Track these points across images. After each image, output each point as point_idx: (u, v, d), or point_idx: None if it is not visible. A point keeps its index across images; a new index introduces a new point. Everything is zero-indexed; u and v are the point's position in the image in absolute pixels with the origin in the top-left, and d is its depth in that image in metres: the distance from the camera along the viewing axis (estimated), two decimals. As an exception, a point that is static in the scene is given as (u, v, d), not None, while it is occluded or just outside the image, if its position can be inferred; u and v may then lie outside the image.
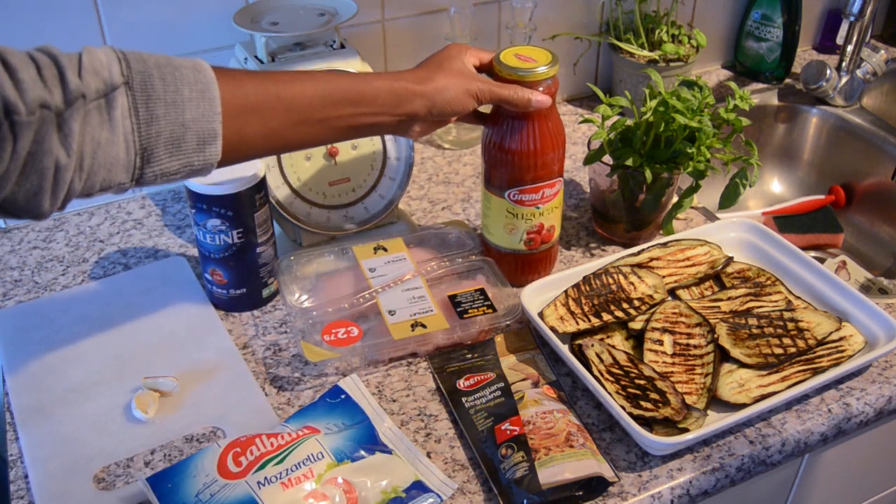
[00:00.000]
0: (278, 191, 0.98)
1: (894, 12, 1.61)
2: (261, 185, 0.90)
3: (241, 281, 0.94)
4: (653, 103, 0.98)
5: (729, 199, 1.04)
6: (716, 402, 0.82)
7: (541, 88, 0.86)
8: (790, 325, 0.88)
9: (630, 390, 0.81)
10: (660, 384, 0.81)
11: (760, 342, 0.86)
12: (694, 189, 1.02)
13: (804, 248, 1.02)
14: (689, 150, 0.97)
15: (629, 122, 1.02)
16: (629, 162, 0.99)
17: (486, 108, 0.89)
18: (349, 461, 0.76)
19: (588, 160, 1.02)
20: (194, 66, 0.68)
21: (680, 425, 0.78)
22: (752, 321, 0.89)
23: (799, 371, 0.84)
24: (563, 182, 0.94)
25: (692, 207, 1.14)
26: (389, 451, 0.78)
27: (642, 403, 0.80)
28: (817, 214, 1.33)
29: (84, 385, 0.85)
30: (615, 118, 1.02)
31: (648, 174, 0.97)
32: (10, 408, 0.84)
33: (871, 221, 1.35)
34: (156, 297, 0.97)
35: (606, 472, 0.75)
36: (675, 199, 1.05)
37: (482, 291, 0.92)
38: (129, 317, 0.93)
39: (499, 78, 0.87)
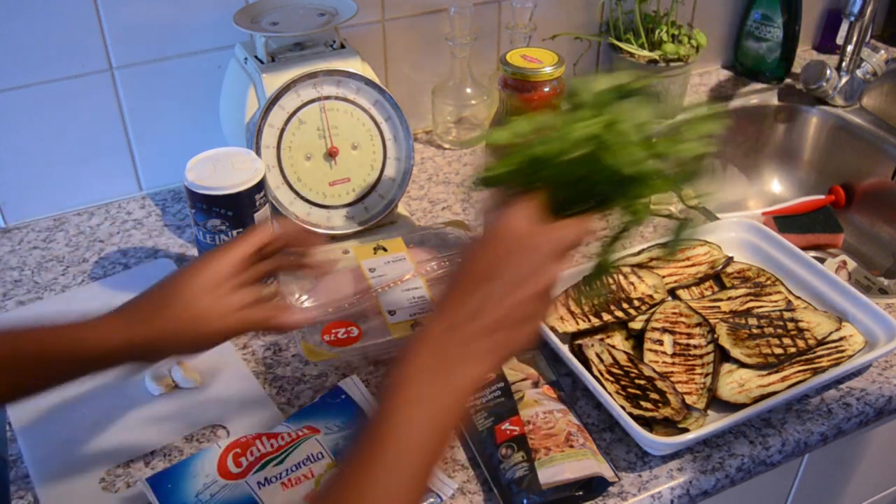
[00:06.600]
0: (278, 191, 0.98)
1: (894, 12, 1.61)
2: (261, 185, 0.90)
3: (241, 281, 0.94)
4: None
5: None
6: (716, 402, 0.82)
7: (546, 89, 0.86)
8: (790, 325, 0.88)
9: (630, 390, 0.81)
10: (660, 384, 0.81)
11: (760, 342, 0.86)
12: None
13: (804, 248, 1.01)
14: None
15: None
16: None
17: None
18: (349, 461, 0.76)
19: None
20: None
21: (680, 425, 0.78)
22: (752, 321, 0.89)
23: (799, 371, 0.84)
24: None
25: (692, 207, 1.13)
26: (389, 451, 0.78)
27: (642, 403, 0.80)
28: (817, 214, 1.33)
29: (83, 386, 0.85)
30: None
31: None
32: (9, 408, 0.84)
33: (871, 221, 1.35)
34: (156, 297, 0.97)
35: (606, 472, 0.75)
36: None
37: (482, 291, 0.92)
38: (129, 317, 0.93)
39: (505, 79, 0.87)
